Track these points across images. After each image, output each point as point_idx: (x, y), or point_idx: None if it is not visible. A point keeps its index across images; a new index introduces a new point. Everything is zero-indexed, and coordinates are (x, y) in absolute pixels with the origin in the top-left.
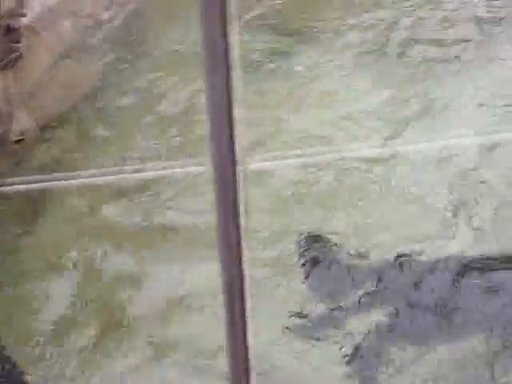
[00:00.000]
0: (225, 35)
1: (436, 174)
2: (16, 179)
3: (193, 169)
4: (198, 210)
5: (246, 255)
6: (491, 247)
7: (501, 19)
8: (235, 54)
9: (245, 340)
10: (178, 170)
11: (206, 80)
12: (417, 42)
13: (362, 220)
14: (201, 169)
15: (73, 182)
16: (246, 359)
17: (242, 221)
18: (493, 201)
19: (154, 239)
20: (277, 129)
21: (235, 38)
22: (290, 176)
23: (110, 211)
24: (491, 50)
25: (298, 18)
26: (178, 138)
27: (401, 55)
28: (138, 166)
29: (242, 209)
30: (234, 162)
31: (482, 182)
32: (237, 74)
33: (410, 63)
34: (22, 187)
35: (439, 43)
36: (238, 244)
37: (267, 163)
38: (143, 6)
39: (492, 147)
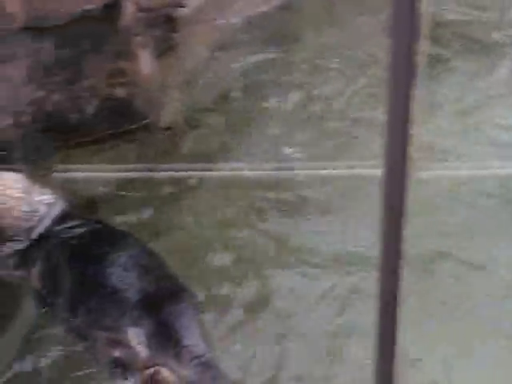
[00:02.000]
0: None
1: None
2: (164, 166)
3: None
4: None
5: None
6: None
7: None
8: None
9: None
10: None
11: (389, 83)
12: None
13: None
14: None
15: (215, 173)
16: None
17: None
18: None
19: None
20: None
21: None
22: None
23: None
24: None
25: None
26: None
27: None
28: (288, 164)
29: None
30: (404, 168)
31: None
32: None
33: None
34: (168, 174)
35: None
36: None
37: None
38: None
39: None
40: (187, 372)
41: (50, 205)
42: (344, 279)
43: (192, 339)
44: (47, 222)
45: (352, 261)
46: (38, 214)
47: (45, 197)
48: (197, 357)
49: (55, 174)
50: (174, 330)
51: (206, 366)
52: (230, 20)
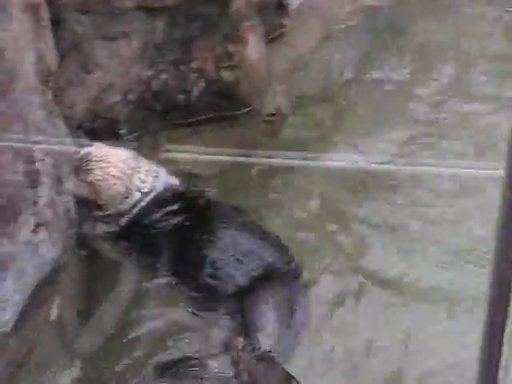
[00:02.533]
0: None
1: None
2: (263, 152)
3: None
4: None
5: None
6: None
7: None
8: None
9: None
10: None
11: None
12: None
13: None
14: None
15: (312, 163)
16: None
17: None
18: None
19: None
20: None
21: None
22: None
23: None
24: None
25: None
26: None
27: None
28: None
29: None
30: None
31: None
32: None
33: None
34: (267, 161)
35: None
36: None
37: None
38: None
39: None
40: (246, 362)
41: (145, 194)
42: None
43: (260, 332)
44: (137, 210)
45: None
46: (132, 199)
47: (143, 184)
48: (256, 349)
49: (159, 154)
50: (251, 321)
51: (262, 359)
52: (340, 11)
